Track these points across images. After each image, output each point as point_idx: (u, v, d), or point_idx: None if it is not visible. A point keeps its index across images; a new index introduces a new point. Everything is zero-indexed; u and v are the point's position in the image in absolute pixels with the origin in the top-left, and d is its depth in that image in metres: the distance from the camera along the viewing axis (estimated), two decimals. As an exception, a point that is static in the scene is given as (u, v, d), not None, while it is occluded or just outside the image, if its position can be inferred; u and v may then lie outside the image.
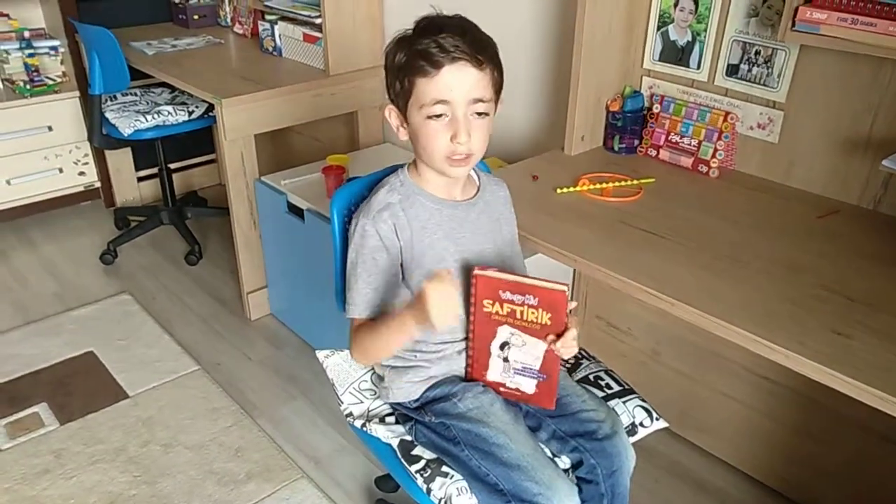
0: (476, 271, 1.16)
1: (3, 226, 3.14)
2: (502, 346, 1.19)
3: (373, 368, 1.40)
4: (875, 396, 1.02)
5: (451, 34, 1.09)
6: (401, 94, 1.16)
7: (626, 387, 1.40)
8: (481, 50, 1.11)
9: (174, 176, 3.17)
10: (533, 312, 1.14)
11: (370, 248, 1.19)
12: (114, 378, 2.25)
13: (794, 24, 1.36)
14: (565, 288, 1.13)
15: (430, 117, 1.12)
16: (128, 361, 2.33)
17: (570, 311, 1.16)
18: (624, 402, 1.36)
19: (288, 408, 2.16)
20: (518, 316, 1.15)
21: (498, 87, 1.17)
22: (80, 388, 2.20)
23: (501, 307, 1.15)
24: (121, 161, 3.31)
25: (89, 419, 2.08)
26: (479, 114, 1.14)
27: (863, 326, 1.15)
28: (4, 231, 3.13)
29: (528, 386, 1.22)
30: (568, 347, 1.15)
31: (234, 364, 2.35)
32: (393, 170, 1.30)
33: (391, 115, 1.21)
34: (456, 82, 1.10)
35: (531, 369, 1.19)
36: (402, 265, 1.22)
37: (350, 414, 1.34)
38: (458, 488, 1.17)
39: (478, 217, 1.27)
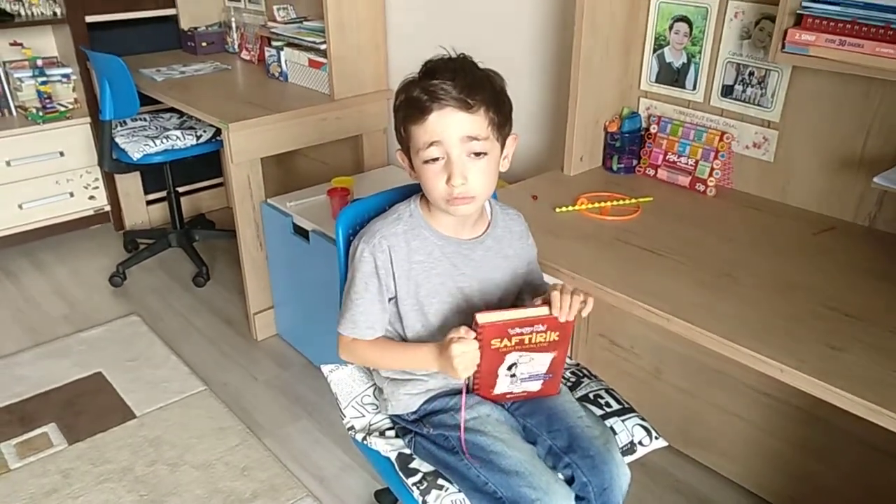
0: (480, 321, 1.13)
1: (14, 249, 3.19)
2: (510, 367, 1.20)
3: (374, 383, 1.42)
4: (868, 409, 1.03)
5: (441, 79, 1.11)
6: (402, 141, 1.19)
7: (626, 405, 1.41)
8: (471, 92, 1.11)
9: (182, 199, 3.22)
10: (542, 335, 1.16)
11: (364, 273, 1.22)
12: (122, 398, 2.28)
13: (784, 46, 1.39)
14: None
15: (426, 161, 1.15)
16: (136, 382, 2.35)
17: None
18: (623, 421, 1.37)
19: (294, 427, 2.18)
20: (527, 342, 1.17)
21: (497, 125, 1.17)
22: (88, 408, 2.23)
23: (510, 340, 1.16)
24: (130, 185, 3.37)
25: (97, 439, 2.10)
26: (477, 154, 1.15)
27: (857, 341, 1.16)
28: (15, 254, 3.18)
29: (534, 386, 1.25)
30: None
31: (240, 384, 2.37)
32: (401, 193, 1.33)
33: (402, 159, 1.23)
34: (444, 124, 1.12)
35: (538, 374, 1.22)
36: (395, 291, 1.24)
37: (352, 427, 1.36)
38: (452, 500, 1.19)
39: (484, 255, 1.28)
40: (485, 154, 1.15)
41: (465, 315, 1.27)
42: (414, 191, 1.31)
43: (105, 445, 2.08)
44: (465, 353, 1.12)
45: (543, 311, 1.16)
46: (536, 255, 1.38)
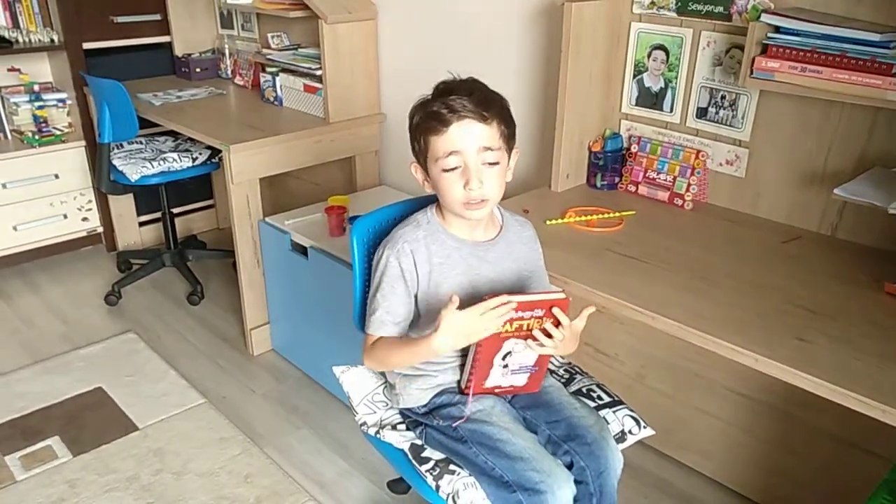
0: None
1: (8, 270, 3.24)
2: (505, 356, 1.30)
3: (385, 381, 1.52)
4: (833, 391, 1.16)
5: (458, 95, 1.23)
6: (419, 152, 1.31)
7: (616, 398, 1.53)
8: (486, 106, 1.24)
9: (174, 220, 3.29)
10: (538, 322, 1.26)
11: (391, 277, 1.33)
12: (123, 412, 2.33)
13: (752, 73, 1.55)
14: (563, 294, 1.26)
15: (445, 170, 1.26)
16: (136, 396, 2.41)
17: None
18: (614, 412, 1.48)
19: (293, 437, 2.25)
20: (525, 328, 1.27)
21: (507, 137, 1.30)
22: (91, 421, 2.29)
23: (511, 325, 1.26)
24: (123, 207, 3.44)
25: (101, 450, 2.15)
26: (491, 163, 1.26)
27: (822, 333, 1.30)
28: (10, 275, 3.23)
29: (521, 381, 1.35)
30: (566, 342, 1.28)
31: (239, 397, 2.44)
32: (413, 204, 1.44)
33: (416, 171, 1.35)
34: (463, 135, 1.24)
35: (527, 366, 1.32)
36: (416, 293, 1.35)
37: (364, 423, 1.46)
38: (464, 483, 1.29)
39: (497, 257, 1.39)
40: (497, 163, 1.28)
41: None
42: (421, 203, 1.43)
43: (110, 456, 2.13)
44: (461, 322, 1.20)
45: (548, 295, 1.25)
46: (543, 264, 1.49)
